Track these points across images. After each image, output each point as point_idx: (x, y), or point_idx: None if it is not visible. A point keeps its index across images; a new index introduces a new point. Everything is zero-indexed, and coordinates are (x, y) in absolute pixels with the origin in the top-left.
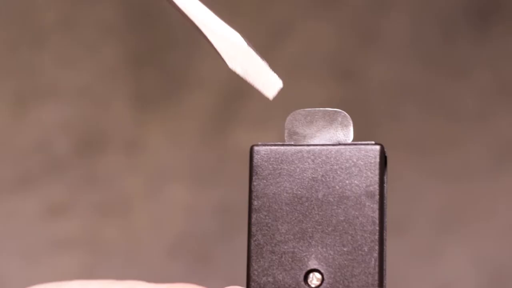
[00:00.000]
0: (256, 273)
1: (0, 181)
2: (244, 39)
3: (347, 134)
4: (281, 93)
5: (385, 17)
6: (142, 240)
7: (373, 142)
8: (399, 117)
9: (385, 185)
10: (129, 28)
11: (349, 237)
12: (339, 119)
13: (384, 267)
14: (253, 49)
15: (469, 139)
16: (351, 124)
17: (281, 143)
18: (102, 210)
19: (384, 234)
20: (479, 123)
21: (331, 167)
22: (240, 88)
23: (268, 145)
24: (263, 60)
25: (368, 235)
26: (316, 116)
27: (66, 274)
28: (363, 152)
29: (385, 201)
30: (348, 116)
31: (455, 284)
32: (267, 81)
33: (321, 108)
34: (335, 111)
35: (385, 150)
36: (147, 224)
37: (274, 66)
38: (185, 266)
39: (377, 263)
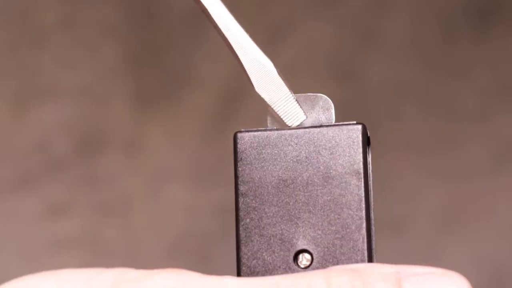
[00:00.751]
0: (246, 257)
1: (0, 181)
2: (276, 68)
3: (329, 117)
4: None
5: (385, 17)
6: (142, 240)
7: (354, 122)
8: (399, 117)
9: (369, 165)
10: (129, 28)
11: (336, 216)
12: (321, 103)
13: (373, 245)
14: (283, 79)
15: (469, 139)
16: (333, 107)
17: (264, 128)
18: (102, 210)
19: (371, 212)
20: (479, 123)
21: (315, 148)
22: (240, 88)
23: (251, 131)
24: (291, 91)
25: (355, 213)
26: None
27: None
28: (345, 132)
29: (369, 180)
30: (330, 100)
31: None
32: (290, 112)
33: (302, 94)
34: (316, 95)
35: (367, 130)
36: (147, 224)
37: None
38: (185, 266)
39: (365, 240)
